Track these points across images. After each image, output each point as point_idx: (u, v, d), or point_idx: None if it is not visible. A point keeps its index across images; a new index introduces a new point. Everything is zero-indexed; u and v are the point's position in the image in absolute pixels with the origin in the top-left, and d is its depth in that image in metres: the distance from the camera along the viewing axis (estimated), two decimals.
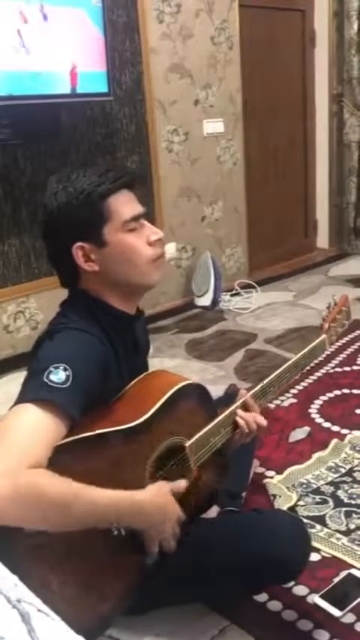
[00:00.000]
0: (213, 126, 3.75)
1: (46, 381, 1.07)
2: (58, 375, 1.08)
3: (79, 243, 1.23)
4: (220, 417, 1.33)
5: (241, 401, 1.38)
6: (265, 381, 1.45)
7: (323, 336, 1.60)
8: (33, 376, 1.11)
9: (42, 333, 1.24)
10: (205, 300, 3.66)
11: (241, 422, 1.35)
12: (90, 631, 1.02)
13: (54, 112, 2.92)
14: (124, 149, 3.30)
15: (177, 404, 1.28)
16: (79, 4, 2.71)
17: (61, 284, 1.32)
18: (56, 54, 2.67)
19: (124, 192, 1.25)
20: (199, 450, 1.28)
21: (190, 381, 1.34)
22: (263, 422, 1.38)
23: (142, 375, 1.35)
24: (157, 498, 1.16)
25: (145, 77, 3.32)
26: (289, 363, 1.51)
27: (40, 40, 2.60)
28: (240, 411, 1.36)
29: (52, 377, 1.07)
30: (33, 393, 1.07)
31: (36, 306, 3.07)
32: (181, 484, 1.23)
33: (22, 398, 1.09)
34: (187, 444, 1.26)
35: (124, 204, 1.24)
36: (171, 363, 2.92)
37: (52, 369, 1.08)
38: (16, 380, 2.81)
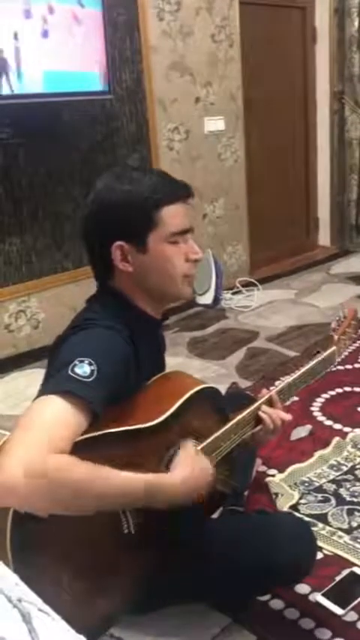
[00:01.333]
0: (214, 124, 3.75)
1: (71, 374, 1.07)
2: (83, 369, 1.08)
3: (120, 242, 1.23)
4: (235, 420, 1.34)
5: (265, 397, 1.39)
6: (281, 386, 1.46)
7: (334, 347, 1.61)
8: (57, 369, 1.11)
9: (67, 328, 1.25)
10: (207, 299, 3.65)
11: (265, 417, 1.36)
12: (92, 630, 1.02)
13: (55, 111, 2.92)
14: (125, 148, 3.30)
15: (193, 407, 1.29)
16: (79, 2, 2.71)
17: (95, 277, 1.33)
18: (56, 53, 2.66)
19: (178, 205, 1.26)
20: (212, 452, 1.29)
21: (207, 385, 1.35)
22: (287, 417, 1.39)
23: (160, 375, 1.36)
24: (189, 469, 1.16)
25: (146, 75, 3.31)
26: (300, 372, 1.52)
27: (41, 38, 2.59)
28: (265, 407, 1.38)
29: (77, 370, 1.08)
30: (57, 385, 1.07)
31: (37, 305, 3.07)
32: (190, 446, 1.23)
33: (46, 389, 1.09)
34: (200, 446, 1.27)
35: (176, 217, 1.25)
36: (172, 361, 2.90)
37: (77, 363, 1.08)
38: (17, 379, 2.83)
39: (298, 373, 1.51)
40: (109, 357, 1.13)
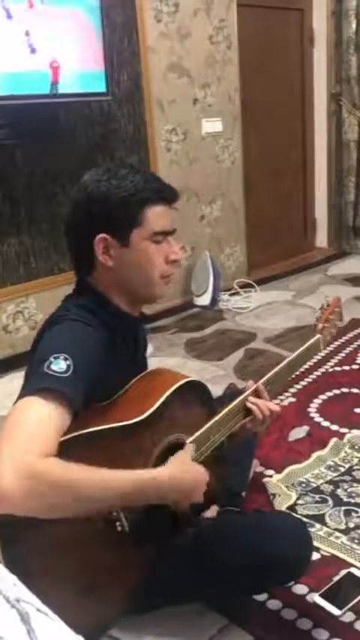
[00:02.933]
0: (211, 125, 3.75)
1: (47, 371, 1.07)
2: (59, 365, 1.08)
3: (103, 235, 1.24)
4: (222, 412, 1.33)
5: (252, 389, 1.40)
6: (267, 376, 1.46)
7: (318, 336, 1.62)
8: (34, 369, 1.12)
9: (42, 325, 1.25)
10: (204, 300, 3.66)
11: (253, 407, 1.36)
12: (91, 631, 1.02)
13: (52, 111, 2.92)
14: (123, 149, 3.30)
15: (178, 401, 1.29)
16: (77, 3, 2.71)
17: (75, 272, 1.34)
18: (55, 53, 2.66)
19: (163, 206, 1.27)
20: (201, 446, 1.29)
21: (191, 379, 1.35)
22: (276, 408, 1.40)
23: (143, 374, 1.36)
24: (181, 468, 1.16)
25: (144, 77, 3.32)
26: (285, 362, 1.52)
27: (39, 39, 2.60)
28: (252, 398, 1.38)
29: (53, 367, 1.08)
30: (35, 384, 1.07)
31: (35, 306, 3.07)
32: (190, 447, 1.23)
33: (25, 391, 1.09)
34: (189, 440, 1.27)
35: (159, 217, 1.27)
36: (170, 362, 2.92)
37: (52, 360, 1.09)
38: (15, 380, 2.82)
39: (283, 362, 1.51)
40: (83, 350, 1.14)
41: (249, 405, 1.37)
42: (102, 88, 2.89)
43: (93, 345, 1.18)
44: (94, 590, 1.15)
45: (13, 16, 2.52)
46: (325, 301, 1.71)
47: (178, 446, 1.27)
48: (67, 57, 2.71)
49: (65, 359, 1.09)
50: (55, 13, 2.63)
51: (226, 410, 1.34)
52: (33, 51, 2.59)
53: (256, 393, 1.40)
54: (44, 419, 1.03)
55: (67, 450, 1.04)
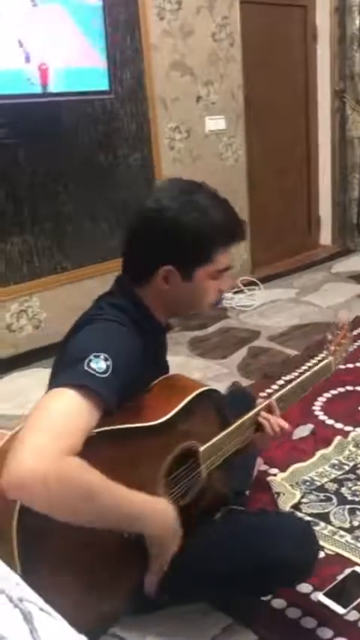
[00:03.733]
0: (215, 123, 3.75)
1: (87, 368, 1.06)
2: (99, 364, 1.07)
3: (169, 267, 1.24)
4: (235, 424, 1.35)
5: (265, 404, 1.42)
6: (280, 393, 1.48)
7: (330, 358, 1.64)
8: (72, 362, 1.10)
9: (79, 322, 1.25)
10: None
11: (264, 422, 1.38)
12: (93, 630, 1.02)
13: (54, 110, 2.92)
14: (126, 147, 3.30)
15: (196, 409, 1.30)
16: (80, 1, 2.70)
17: (123, 273, 1.33)
18: (56, 52, 2.66)
19: (232, 246, 1.29)
20: (212, 455, 1.29)
21: (210, 388, 1.37)
22: (286, 425, 1.41)
23: (162, 377, 1.37)
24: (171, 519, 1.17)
25: (147, 74, 3.31)
26: (298, 381, 1.55)
27: (40, 38, 2.60)
28: (264, 413, 1.40)
29: (93, 365, 1.07)
30: (72, 378, 1.06)
31: (39, 305, 3.07)
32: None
33: (60, 381, 1.07)
34: (201, 448, 1.27)
35: (225, 256, 1.28)
36: (174, 360, 2.90)
37: (93, 358, 1.08)
38: (18, 379, 2.83)
39: (296, 382, 1.54)
40: (122, 352, 1.13)
41: (261, 419, 1.39)
42: (105, 86, 2.88)
43: (129, 346, 1.18)
44: (97, 587, 1.15)
45: (10, 14, 2.51)
46: (337, 324, 1.74)
47: (191, 453, 1.28)
48: (68, 56, 2.71)
49: (105, 359, 1.08)
50: (56, 11, 2.63)
51: (239, 422, 1.36)
52: (30, 50, 2.59)
53: (269, 409, 1.42)
54: (75, 414, 1.02)
55: (89, 443, 1.04)
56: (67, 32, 2.69)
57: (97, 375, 1.06)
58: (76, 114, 3.02)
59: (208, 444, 1.28)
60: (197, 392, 1.31)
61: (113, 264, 3.31)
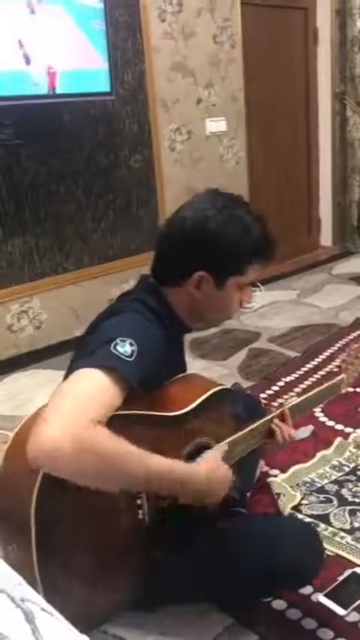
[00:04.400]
0: (215, 125, 3.75)
1: (113, 351, 1.10)
2: (125, 348, 1.11)
3: (204, 273, 1.29)
4: (248, 429, 1.37)
5: (279, 411, 1.45)
6: (294, 402, 1.52)
7: (342, 375, 1.69)
8: (98, 346, 1.13)
9: (101, 315, 1.29)
10: None
11: (276, 429, 1.41)
12: (89, 620, 1.04)
13: (56, 111, 2.92)
14: (127, 148, 3.30)
15: (212, 406, 1.33)
16: (81, 3, 2.71)
17: (153, 276, 1.36)
18: (58, 53, 2.67)
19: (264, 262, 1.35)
20: (226, 455, 1.30)
21: (226, 386, 1.41)
22: (294, 434, 1.45)
23: (181, 375, 1.40)
24: (214, 466, 1.19)
25: (148, 76, 3.31)
26: (312, 393, 1.59)
27: (41, 39, 2.60)
28: (277, 420, 1.43)
29: (119, 348, 1.11)
30: (100, 359, 1.09)
31: (40, 305, 3.07)
32: (223, 447, 1.27)
33: (86, 362, 1.10)
34: (216, 446, 1.29)
35: (256, 271, 1.35)
36: None
37: (119, 342, 1.12)
38: (19, 379, 2.83)
39: (309, 394, 1.58)
40: (148, 342, 1.17)
41: (273, 426, 1.42)
42: (106, 88, 2.89)
43: (154, 336, 1.22)
44: (100, 573, 1.16)
45: (13, 16, 2.52)
46: (353, 347, 1.81)
47: (205, 449, 1.29)
48: (69, 57, 2.71)
49: (131, 344, 1.12)
50: (57, 12, 2.63)
51: (253, 426, 1.38)
52: (33, 52, 2.60)
53: (282, 417, 1.45)
54: (101, 392, 1.06)
55: (109, 425, 1.06)
56: (69, 34, 2.69)
57: (123, 357, 1.10)
58: (77, 115, 3.02)
59: (226, 440, 1.30)
60: (215, 390, 1.34)
61: (114, 265, 3.32)
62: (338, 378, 1.67)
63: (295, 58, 4.37)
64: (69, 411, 1.00)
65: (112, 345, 1.11)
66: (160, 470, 1.09)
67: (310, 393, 1.59)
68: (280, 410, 1.46)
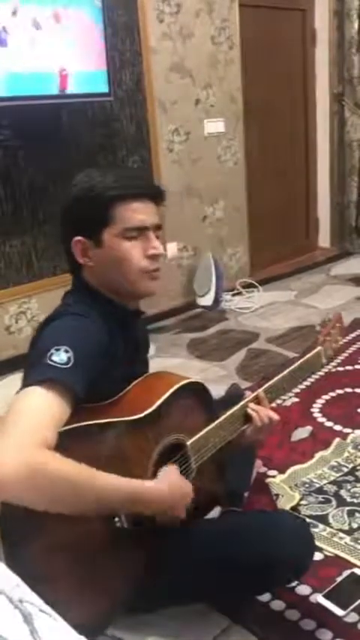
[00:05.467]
0: (214, 126, 3.75)
1: (49, 362, 1.09)
2: (60, 356, 1.09)
3: (78, 237, 1.27)
4: (223, 417, 1.34)
5: (252, 396, 1.41)
6: (268, 384, 1.46)
7: (319, 348, 1.62)
8: (35, 361, 1.12)
9: (40, 323, 1.27)
10: (207, 300, 3.66)
11: (253, 414, 1.37)
12: (91, 628, 1.02)
13: (54, 112, 2.92)
14: (125, 149, 3.30)
15: (179, 402, 1.29)
16: (79, 4, 2.71)
17: (69, 271, 1.36)
18: (57, 54, 2.67)
19: (137, 202, 1.26)
20: (201, 448, 1.29)
21: (193, 380, 1.35)
22: (275, 416, 1.40)
23: (145, 375, 1.36)
24: (170, 483, 1.17)
25: (146, 77, 3.32)
26: (286, 371, 1.53)
27: (41, 40, 2.60)
28: (252, 404, 1.39)
29: (54, 358, 1.09)
30: (36, 375, 1.08)
31: (38, 306, 3.07)
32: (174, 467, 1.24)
33: (26, 381, 1.10)
34: (189, 442, 1.27)
35: (134, 212, 1.25)
36: (172, 362, 2.92)
37: (54, 351, 1.10)
38: (17, 381, 2.82)
39: (285, 372, 1.52)
40: (83, 342, 1.15)
41: (249, 411, 1.38)
42: (104, 89, 2.89)
43: (93, 335, 1.19)
44: (94, 586, 1.15)
45: (19, 18, 2.52)
46: (327, 316, 1.74)
47: (178, 447, 1.27)
48: (69, 59, 2.71)
49: (66, 351, 1.10)
50: (57, 14, 2.63)
51: (227, 414, 1.35)
52: (38, 53, 2.60)
53: (257, 400, 1.41)
54: (44, 409, 1.04)
55: (65, 441, 1.05)
56: (70, 35, 2.69)
57: (59, 366, 1.08)
58: (76, 116, 3.02)
59: (195, 437, 1.28)
60: (180, 384, 1.30)
61: None
62: (315, 350, 1.60)
63: (293, 59, 4.38)
64: (16, 436, 0.99)
65: (48, 356, 1.09)
66: (118, 486, 1.07)
67: (286, 371, 1.52)
68: (254, 394, 1.41)
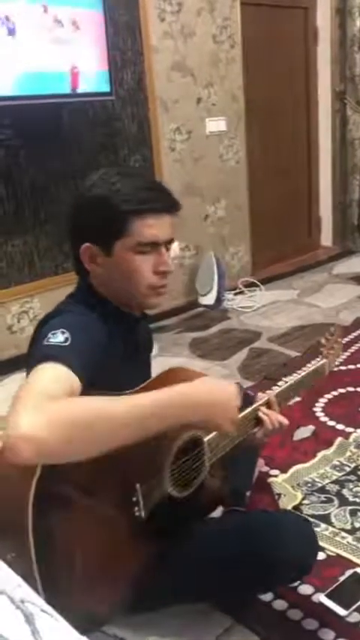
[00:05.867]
0: (215, 124, 3.75)
1: (46, 343, 1.08)
2: (57, 337, 1.09)
3: (88, 244, 1.25)
4: (239, 416, 1.34)
5: (264, 400, 1.43)
6: (280, 389, 1.51)
7: (325, 360, 1.70)
8: (34, 350, 1.12)
9: (40, 320, 1.26)
10: (209, 299, 3.66)
11: (264, 417, 1.39)
12: (89, 623, 1.04)
13: (56, 112, 2.92)
14: (127, 148, 3.30)
15: None
16: (80, 3, 2.71)
17: (75, 271, 1.34)
18: (58, 54, 2.67)
19: (153, 217, 1.22)
20: (215, 447, 1.30)
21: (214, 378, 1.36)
22: (285, 421, 1.43)
23: (163, 371, 1.35)
24: (210, 384, 1.14)
25: (147, 76, 3.31)
26: (297, 378, 1.59)
27: (42, 40, 2.60)
28: (263, 408, 1.41)
29: (52, 339, 1.09)
30: (38, 357, 1.06)
31: (40, 306, 3.07)
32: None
33: (30, 366, 1.08)
34: (206, 438, 1.28)
35: (149, 228, 1.22)
36: (175, 362, 2.92)
37: (51, 335, 1.10)
38: (18, 380, 2.83)
39: (293, 380, 1.58)
40: (82, 331, 1.13)
41: (261, 415, 1.40)
42: (106, 88, 2.88)
43: (91, 330, 1.18)
44: (100, 578, 1.15)
45: (25, 18, 2.52)
46: (332, 330, 1.79)
47: (196, 442, 1.28)
48: (70, 58, 2.71)
49: (63, 332, 1.10)
50: (58, 13, 2.63)
51: (241, 416, 1.34)
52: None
53: (268, 405, 1.43)
54: (51, 377, 1.01)
55: None
56: (70, 35, 2.69)
57: (57, 344, 1.07)
58: (77, 115, 3.02)
59: (212, 435, 1.29)
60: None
61: None
62: (321, 362, 1.69)
63: (295, 58, 4.37)
64: (31, 402, 0.95)
65: (45, 339, 1.09)
66: (146, 403, 1.02)
67: (297, 378, 1.59)
68: (266, 398, 1.44)
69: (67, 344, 1.08)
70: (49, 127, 2.92)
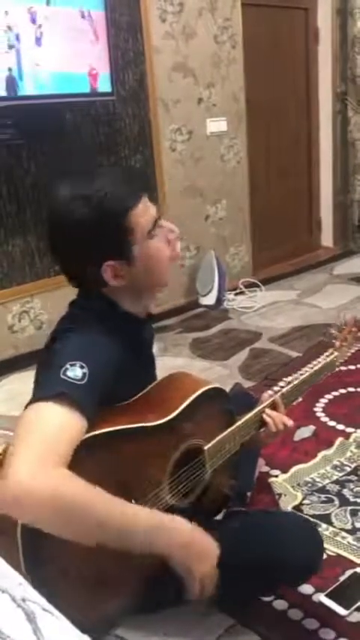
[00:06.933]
0: (216, 125, 3.75)
1: (63, 377, 1.07)
2: (75, 372, 1.08)
3: (109, 262, 1.18)
4: (240, 422, 1.35)
5: (269, 401, 1.43)
6: (284, 389, 1.49)
7: (335, 354, 1.66)
8: (49, 372, 1.10)
9: (54, 331, 1.24)
10: (209, 299, 3.66)
11: (269, 420, 1.39)
12: (96, 629, 1.03)
13: (58, 111, 2.92)
14: (128, 148, 3.30)
15: (200, 407, 1.30)
16: (82, 3, 2.71)
17: (76, 286, 1.29)
18: (58, 54, 2.67)
19: (141, 200, 1.19)
20: (217, 453, 1.30)
21: (214, 386, 1.37)
22: (289, 422, 1.42)
23: (164, 377, 1.36)
24: (194, 529, 1.13)
25: (149, 76, 3.31)
26: (302, 378, 1.56)
27: (44, 40, 2.60)
28: (268, 410, 1.41)
29: (69, 373, 1.08)
30: (51, 389, 1.06)
31: (40, 306, 3.07)
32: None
33: (39, 393, 1.08)
34: (206, 447, 1.28)
35: (144, 213, 1.19)
36: (175, 362, 2.92)
37: (69, 367, 1.08)
38: (19, 380, 2.83)
39: (301, 378, 1.55)
40: (99, 360, 1.13)
41: (265, 417, 1.40)
42: (107, 88, 2.89)
43: (106, 350, 1.17)
44: (103, 585, 1.15)
45: (31, 17, 2.53)
46: (341, 319, 1.74)
47: (196, 451, 1.28)
48: (69, 59, 2.72)
49: (82, 367, 1.08)
50: (60, 13, 2.63)
51: (244, 420, 1.36)
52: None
53: (274, 406, 1.43)
54: (58, 424, 1.03)
55: (83, 449, 1.04)
56: (71, 35, 2.69)
57: (74, 382, 1.07)
58: (79, 115, 3.02)
59: (212, 442, 1.29)
60: (201, 391, 1.31)
61: None
62: (332, 356, 1.64)
63: (296, 58, 4.37)
64: (33, 456, 0.97)
65: (62, 371, 1.07)
66: (134, 516, 1.04)
67: (303, 377, 1.56)
68: (271, 399, 1.43)
69: (83, 382, 1.07)
70: (50, 126, 2.92)
